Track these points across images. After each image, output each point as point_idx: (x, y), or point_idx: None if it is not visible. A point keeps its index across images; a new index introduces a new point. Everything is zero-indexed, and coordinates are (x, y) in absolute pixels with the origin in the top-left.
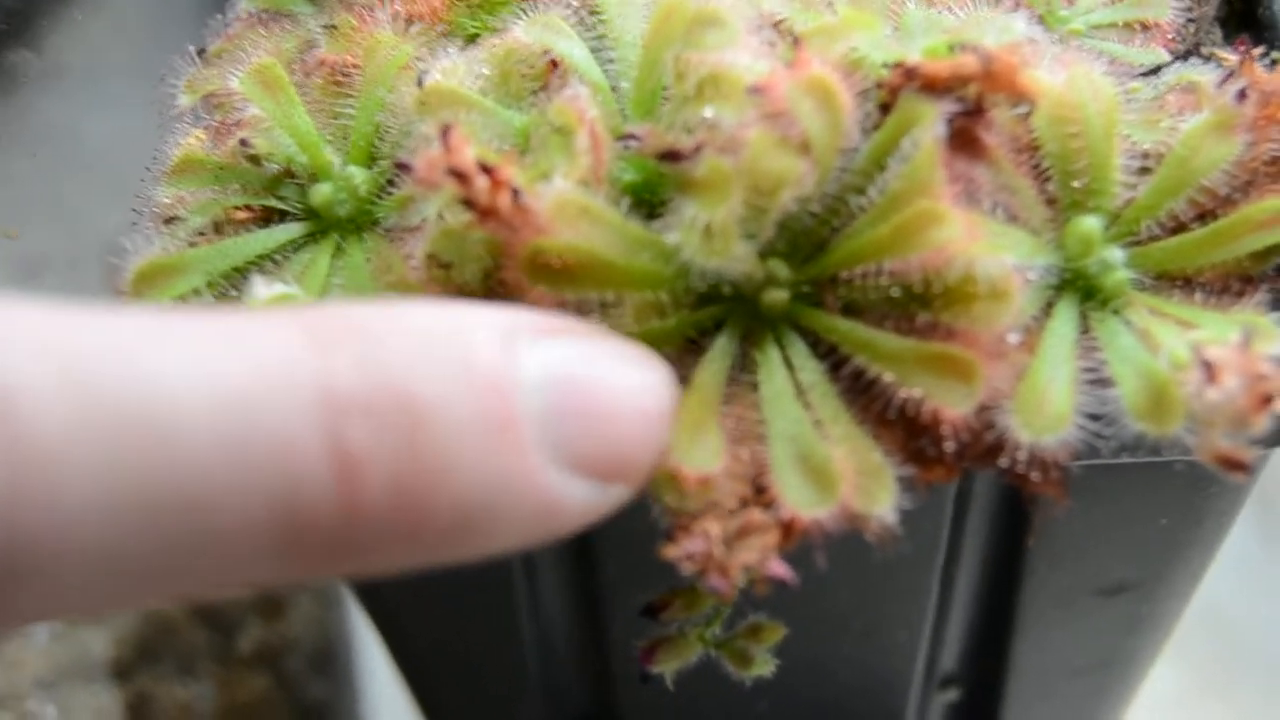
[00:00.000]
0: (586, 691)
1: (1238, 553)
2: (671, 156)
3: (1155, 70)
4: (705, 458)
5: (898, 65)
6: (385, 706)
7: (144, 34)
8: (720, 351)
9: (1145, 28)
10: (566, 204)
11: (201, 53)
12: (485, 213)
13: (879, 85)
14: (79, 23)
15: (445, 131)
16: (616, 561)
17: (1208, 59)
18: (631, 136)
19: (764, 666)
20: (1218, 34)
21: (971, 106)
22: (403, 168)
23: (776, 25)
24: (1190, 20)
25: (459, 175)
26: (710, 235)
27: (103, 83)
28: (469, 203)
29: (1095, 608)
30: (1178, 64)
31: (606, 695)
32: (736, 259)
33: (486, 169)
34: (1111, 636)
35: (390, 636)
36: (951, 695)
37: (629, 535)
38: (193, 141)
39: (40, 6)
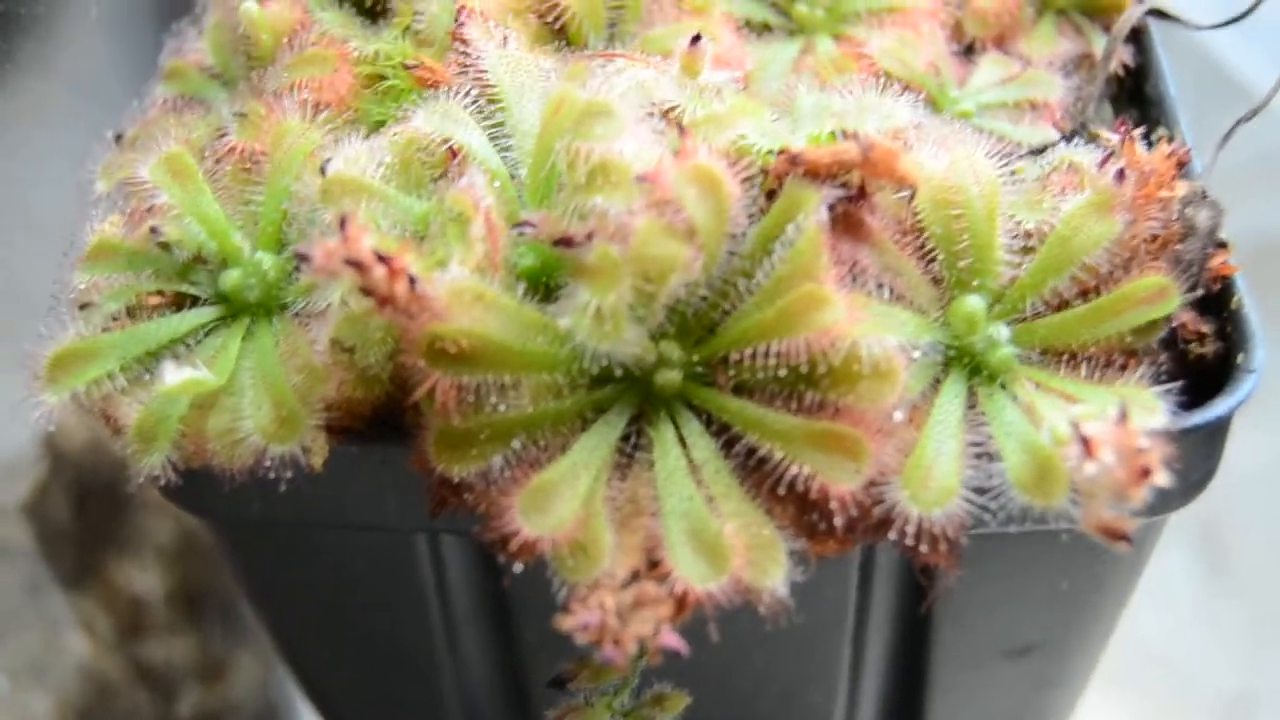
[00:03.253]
0: None
1: (1183, 586)
2: (564, 243)
3: (1043, 149)
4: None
5: (782, 152)
6: None
7: (65, 116)
8: (604, 426)
9: (1035, 107)
10: (461, 291)
11: (119, 138)
12: (383, 300)
13: (765, 172)
14: None
15: (343, 222)
16: (534, 629)
17: (1093, 138)
18: (527, 224)
19: None
20: (1107, 111)
21: (854, 191)
22: (302, 258)
23: (667, 114)
24: (1079, 98)
25: (356, 265)
26: (601, 319)
27: (36, 157)
28: (367, 291)
29: (1004, 668)
30: (1063, 143)
31: None
32: (627, 342)
33: (383, 258)
34: (1022, 695)
35: (320, 705)
36: None
37: (544, 604)
38: (108, 227)
39: None
